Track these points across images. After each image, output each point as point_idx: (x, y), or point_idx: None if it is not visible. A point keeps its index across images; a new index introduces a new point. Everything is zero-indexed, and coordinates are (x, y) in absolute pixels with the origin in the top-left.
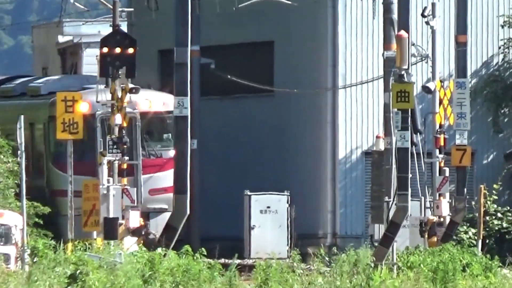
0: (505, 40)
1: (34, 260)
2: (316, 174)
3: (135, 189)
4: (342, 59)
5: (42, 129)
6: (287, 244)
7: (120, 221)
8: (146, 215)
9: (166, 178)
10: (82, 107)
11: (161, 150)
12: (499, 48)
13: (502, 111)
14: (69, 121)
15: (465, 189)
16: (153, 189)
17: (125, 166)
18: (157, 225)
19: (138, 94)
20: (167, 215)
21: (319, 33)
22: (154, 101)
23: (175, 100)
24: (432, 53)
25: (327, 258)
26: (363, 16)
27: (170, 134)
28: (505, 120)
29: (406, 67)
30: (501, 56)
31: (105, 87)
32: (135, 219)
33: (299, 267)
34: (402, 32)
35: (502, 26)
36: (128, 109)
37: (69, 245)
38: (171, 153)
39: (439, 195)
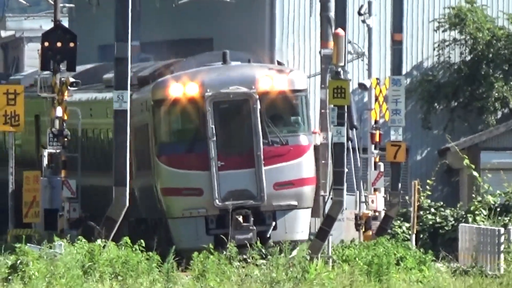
0: (439, 42)
1: None
2: None
3: (75, 180)
4: (279, 56)
5: (148, 118)
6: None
7: (61, 212)
8: (272, 213)
9: (294, 169)
10: (189, 89)
11: (287, 136)
12: (434, 49)
13: (435, 109)
14: (10, 114)
15: (400, 184)
16: (279, 183)
17: (63, 158)
18: (286, 226)
19: (256, 69)
20: (297, 213)
21: (257, 30)
22: (277, 78)
23: (114, 94)
24: (368, 51)
25: (263, 251)
26: (300, 14)
27: (299, 117)
28: (438, 117)
29: (342, 64)
30: (435, 58)
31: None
32: (75, 211)
33: (236, 259)
34: (339, 30)
35: (436, 31)
36: (243, 89)
37: (9, 235)
38: (302, 138)
39: (374, 189)
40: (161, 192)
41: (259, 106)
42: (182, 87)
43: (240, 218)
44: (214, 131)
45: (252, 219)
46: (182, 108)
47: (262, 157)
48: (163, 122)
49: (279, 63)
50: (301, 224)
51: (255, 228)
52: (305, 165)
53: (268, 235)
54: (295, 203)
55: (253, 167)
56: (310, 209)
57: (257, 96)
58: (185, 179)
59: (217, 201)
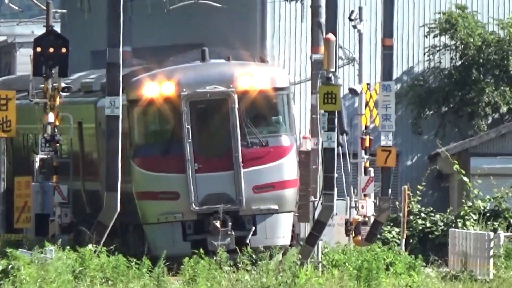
0: (430, 48)
1: None
2: None
3: (66, 186)
4: (271, 61)
5: (126, 119)
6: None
7: (52, 217)
8: (251, 218)
9: (274, 171)
10: (165, 88)
11: (267, 137)
12: (424, 54)
13: (425, 114)
14: (2, 119)
15: (390, 190)
16: (258, 186)
17: (55, 163)
18: (266, 231)
19: (235, 67)
20: (278, 218)
21: (248, 36)
22: (257, 76)
23: (106, 99)
24: (359, 56)
25: (253, 256)
26: (292, 19)
27: (280, 117)
28: (429, 122)
29: (333, 69)
30: (426, 63)
31: None
32: (66, 216)
33: (227, 264)
34: (330, 35)
35: (426, 36)
36: (221, 88)
37: (0, 240)
38: (283, 139)
39: (364, 195)
40: (136, 196)
41: (237, 106)
42: (158, 87)
43: (218, 223)
44: (190, 132)
45: (230, 224)
46: (158, 108)
47: (240, 159)
48: (138, 123)
49: (262, 60)
50: (283, 229)
51: (233, 233)
52: (287, 167)
53: (247, 241)
54: (275, 207)
55: (231, 169)
56: (292, 213)
57: (236, 95)
58: (161, 183)
59: (193, 205)
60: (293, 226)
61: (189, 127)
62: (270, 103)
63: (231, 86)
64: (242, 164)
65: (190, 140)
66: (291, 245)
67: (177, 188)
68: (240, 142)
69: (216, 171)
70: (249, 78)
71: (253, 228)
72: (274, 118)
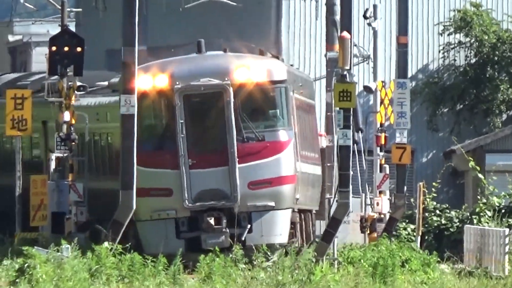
0: (444, 45)
1: None
2: None
3: (82, 184)
4: (285, 59)
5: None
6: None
7: (68, 215)
8: (247, 215)
9: (271, 166)
10: (158, 81)
11: (264, 131)
12: (439, 52)
13: (440, 111)
14: (18, 118)
15: (405, 187)
16: (254, 182)
17: (70, 162)
18: (262, 228)
19: (231, 59)
20: (275, 215)
21: (263, 34)
22: (254, 68)
23: (121, 98)
24: (373, 54)
25: (269, 253)
26: (306, 17)
27: (277, 111)
28: (444, 119)
29: (348, 67)
30: (441, 61)
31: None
32: (82, 214)
33: (242, 262)
34: (345, 33)
35: (441, 34)
36: (215, 81)
37: (16, 238)
38: (280, 134)
39: (380, 192)
40: None
41: (233, 99)
42: (151, 79)
43: (212, 221)
44: (184, 127)
45: (225, 221)
46: (151, 101)
47: (236, 154)
48: None
49: (261, 53)
50: (279, 227)
51: (228, 231)
52: (284, 163)
53: (242, 238)
54: (272, 203)
55: (226, 165)
56: (289, 210)
57: (231, 88)
58: (153, 179)
59: (187, 201)
60: (292, 223)
61: (183, 121)
62: (267, 96)
63: (227, 78)
64: (237, 160)
65: (183, 135)
66: (290, 243)
67: (170, 184)
68: (235, 137)
69: (210, 166)
70: (245, 70)
71: (249, 226)
72: (271, 112)
